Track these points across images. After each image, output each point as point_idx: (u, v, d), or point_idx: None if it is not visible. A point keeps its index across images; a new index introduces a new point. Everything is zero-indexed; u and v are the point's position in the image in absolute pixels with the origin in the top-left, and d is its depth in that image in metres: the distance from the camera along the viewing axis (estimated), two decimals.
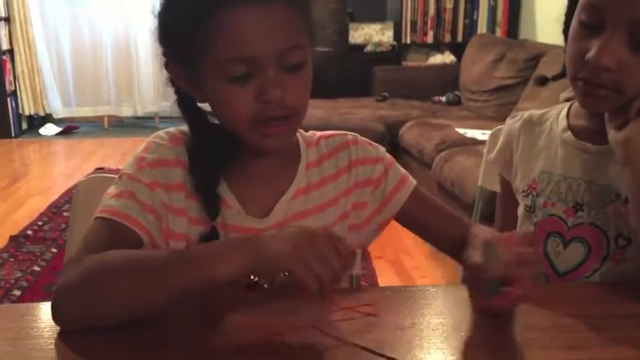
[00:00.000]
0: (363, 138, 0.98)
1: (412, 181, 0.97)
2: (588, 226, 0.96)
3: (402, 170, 0.98)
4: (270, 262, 0.71)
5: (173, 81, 0.87)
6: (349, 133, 0.98)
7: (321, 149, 0.95)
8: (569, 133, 0.99)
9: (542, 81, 1.09)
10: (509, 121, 1.10)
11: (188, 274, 0.72)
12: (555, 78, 1.02)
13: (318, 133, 0.98)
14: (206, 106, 0.88)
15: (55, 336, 0.74)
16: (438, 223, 0.97)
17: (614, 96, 0.88)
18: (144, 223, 0.82)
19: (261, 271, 0.73)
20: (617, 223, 0.94)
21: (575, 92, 0.93)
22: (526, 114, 1.08)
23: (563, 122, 1.01)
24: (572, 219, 0.97)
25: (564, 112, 1.02)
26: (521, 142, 1.05)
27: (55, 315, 0.74)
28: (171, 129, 0.92)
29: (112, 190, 0.85)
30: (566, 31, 0.93)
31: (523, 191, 1.03)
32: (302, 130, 0.97)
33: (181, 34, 0.80)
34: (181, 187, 0.87)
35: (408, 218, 0.97)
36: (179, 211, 0.87)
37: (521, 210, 1.04)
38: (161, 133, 0.91)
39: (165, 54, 0.85)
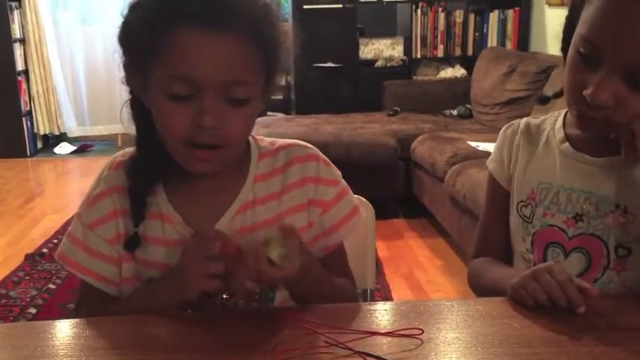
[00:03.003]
0: (324, 156, 0.96)
1: (360, 218, 0.96)
2: (588, 237, 0.96)
3: (356, 201, 0.97)
4: (184, 294, 0.82)
5: (128, 81, 0.87)
6: (310, 147, 0.96)
7: (276, 161, 0.93)
8: (566, 144, 1.00)
9: (544, 100, 1.10)
10: (506, 130, 1.08)
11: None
12: (557, 96, 1.01)
13: (279, 142, 0.95)
14: None
15: (70, 354, 0.75)
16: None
17: (606, 127, 0.89)
18: (95, 270, 0.91)
19: (185, 301, 0.84)
20: (617, 233, 0.95)
21: (571, 114, 0.95)
22: (522, 122, 1.07)
23: (560, 133, 1.02)
24: (572, 229, 0.98)
25: (560, 122, 1.03)
26: (520, 152, 1.05)
27: None
28: (119, 153, 0.94)
29: (71, 228, 0.93)
30: (564, 49, 0.93)
31: (522, 201, 1.03)
32: (261, 138, 0.95)
33: (140, 38, 0.81)
34: (115, 214, 0.90)
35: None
36: (115, 238, 0.90)
37: (516, 220, 1.04)
38: (109, 161, 0.94)
39: (123, 54, 0.85)
